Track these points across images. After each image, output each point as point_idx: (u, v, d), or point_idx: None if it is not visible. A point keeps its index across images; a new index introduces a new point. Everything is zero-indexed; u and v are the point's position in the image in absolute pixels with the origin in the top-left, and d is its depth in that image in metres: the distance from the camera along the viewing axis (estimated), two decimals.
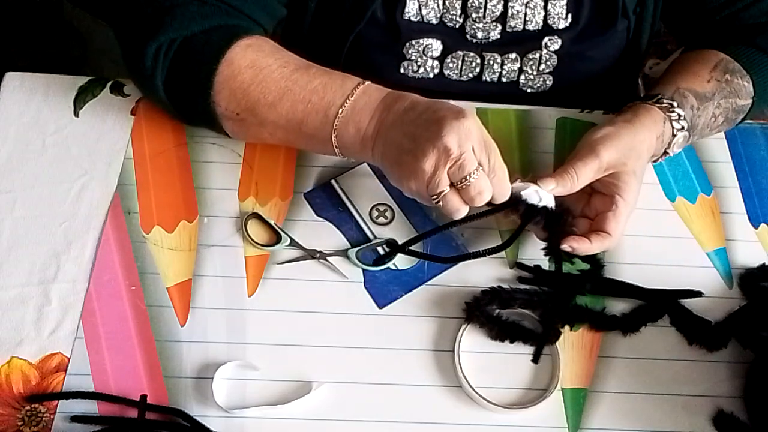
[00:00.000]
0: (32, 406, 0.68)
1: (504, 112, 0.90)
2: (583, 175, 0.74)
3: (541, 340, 0.73)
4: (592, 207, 0.78)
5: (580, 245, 0.74)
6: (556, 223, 0.74)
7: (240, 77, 0.76)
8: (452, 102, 0.83)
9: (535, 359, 0.73)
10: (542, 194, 0.73)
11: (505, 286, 0.77)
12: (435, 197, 0.70)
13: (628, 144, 0.76)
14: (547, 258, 0.77)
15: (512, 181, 0.73)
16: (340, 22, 0.88)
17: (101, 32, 1.67)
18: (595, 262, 0.78)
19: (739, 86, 0.84)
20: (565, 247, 0.74)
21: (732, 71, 0.84)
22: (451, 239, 0.80)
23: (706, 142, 0.90)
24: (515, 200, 0.73)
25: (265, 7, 0.84)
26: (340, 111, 0.74)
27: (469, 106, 0.88)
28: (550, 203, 0.74)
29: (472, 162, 0.68)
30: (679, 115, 0.79)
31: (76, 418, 0.67)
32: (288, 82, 0.75)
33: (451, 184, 0.69)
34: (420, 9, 0.87)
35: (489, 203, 0.72)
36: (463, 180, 0.68)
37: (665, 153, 0.82)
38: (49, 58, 1.69)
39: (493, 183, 0.70)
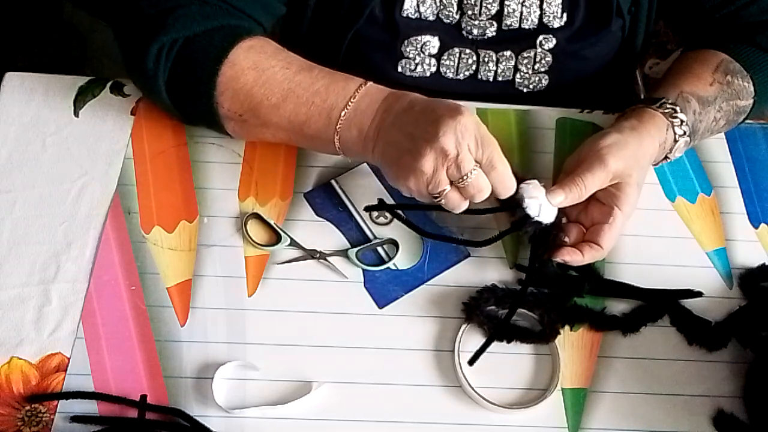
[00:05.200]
0: (32, 406, 0.68)
1: (504, 113, 0.90)
2: (590, 184, 0.74)
3: (489, 341, 0.73)
4: (588, 215, 0.77)
5: (572, 258, 0.74)
6: (543, 240, 0.74)
7: (243, 79, 0.76)
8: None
9: (471, 361, 0.72)
10: (544, 209, 0.73)
11: (499, 285, 0.77)
12: (436, 196, 0.70)
13: (634, 154, 0.76)
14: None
15: (521, 180, 0.73)
16: (338, 20, 0.88)
17: (101, 32, 1.67)
18: (591, 271, 0.78)
19: (740, 87, 0.84)
20: (558, 260, 0.74)
21: (733, 72, 0.84)
22: (450, 237, 0.80)
23: (706, 142, 0.89)
24: (516, 204, 0.73)
25: (266, 6, 0.84)
26: (342, 113, 0.74)
27: (470, 106, 0.89)
28: (548, 219, 0.74)
29: (470, 161, 0.68)
30: (682, 121, 0.79)
31: (76, 418, 0.67)
32: (291, 84, 0.76)
33: (451, 182, 0.70)
34: (418, 6, 0.87)
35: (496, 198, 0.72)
36: (462, 179, 0.69)
37: (666, 158, 0.82)
38: (49, 58, 1.69)
39: (492, 178, 0.70)
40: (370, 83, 0.76)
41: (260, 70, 0.76)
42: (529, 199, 0.72)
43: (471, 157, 0.69)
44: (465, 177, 0.69)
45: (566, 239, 0.76)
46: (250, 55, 0.77)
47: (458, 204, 0.71)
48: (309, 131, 0.76)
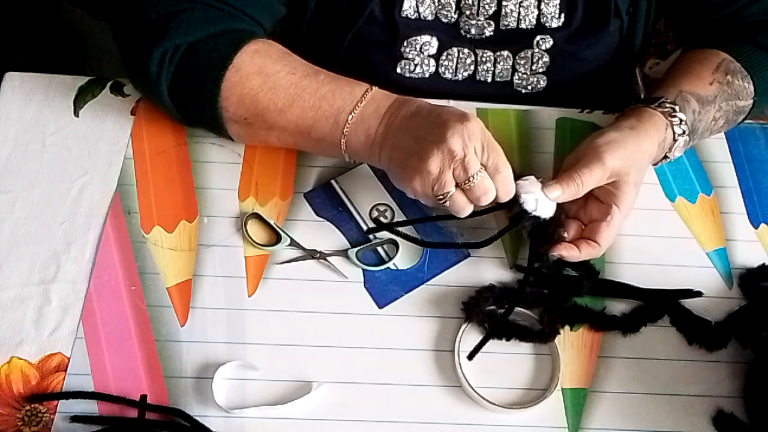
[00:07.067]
0: (32, 406, 0.68)
1: (504, 113, 0.90)
2: (587, 181, 0.74)
3: (484, 340, 0.73)
4: (587, 212, 0.78)
5: (569, 253, 0.75)
6: (541, 234, 0.75)
7: (248, 84, 0.76)
8: (453, 103, 0.83)
9: (470, 356, 0.72)
10: (541, 203, 0.73)
11: (498, 284, 0.77)
12: (441, 197, 0.71)
13: (633, 153, 0.76)
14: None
15: (518, 178, 0.73)
16: (338, 20, 0.89)
17: (101, 32, 1.67)
18: (588, 268, 0.78)
19: (740, 87, 0.84)
20: (555, 254, 0.75)
21: (733, 72, 0.84)
22: (451, 238, 0.80)
23: (706, 142, 0.89)
24: (513, 200, 0.73)
25: (266, 8, 0.84)
26: (349, 118, 0.75)
27: (470, 106, 0.89)
28: (546, 214, 0.74)
29: (476, 163, 0.69)
30: (681, 120, 0.79)
31: (76, 418, 0.67)
32: (297, 89, 0.76)
33: (456, 185, 0.70)
34: (417, 6, 0.87)
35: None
36: (468, 181, 0.70)
37: (665, 157, 0.82)
38: (49, 58, 1.69)
39: (496, 182, 0.71)
40: (375, 88, 0.77)
41: (265, 75, 0.76)
42: (525, 195, 0.73)
43: (477, 159, 0.70)
44: (471, 178, 0.70)
45: (565, 235, 0.76)
46: (255, 60, 0.77)
47: (463, 206, 0.72)
48: (316, 135, 0.76)
